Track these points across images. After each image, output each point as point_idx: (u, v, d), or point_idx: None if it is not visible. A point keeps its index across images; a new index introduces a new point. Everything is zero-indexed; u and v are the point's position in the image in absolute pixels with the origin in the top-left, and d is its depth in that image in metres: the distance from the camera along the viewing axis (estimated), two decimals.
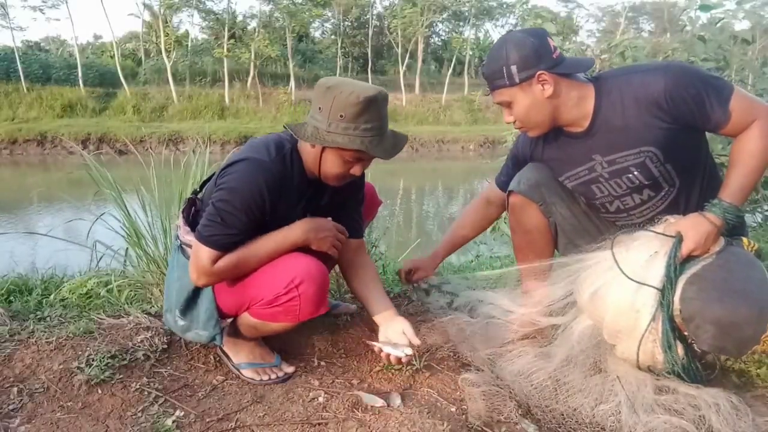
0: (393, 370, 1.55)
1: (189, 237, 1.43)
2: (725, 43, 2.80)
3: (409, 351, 1.43)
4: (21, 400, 1.32)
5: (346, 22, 28.96)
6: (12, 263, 2.71)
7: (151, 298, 2.01)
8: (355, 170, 1.40)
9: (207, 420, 1.29)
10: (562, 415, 1.35)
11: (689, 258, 1.36)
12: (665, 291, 1.33)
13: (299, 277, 1.33)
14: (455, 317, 1.87)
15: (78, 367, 1.42)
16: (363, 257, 1.65)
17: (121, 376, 1.43)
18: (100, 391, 1.37)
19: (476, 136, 20.99)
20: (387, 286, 2.24)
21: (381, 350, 1.45)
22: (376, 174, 2.39)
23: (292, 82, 22.53)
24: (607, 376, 1.45)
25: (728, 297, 1.25)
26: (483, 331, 1.75)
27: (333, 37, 29.13)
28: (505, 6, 28.24)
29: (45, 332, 1.58)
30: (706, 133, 1.45)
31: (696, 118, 1.34)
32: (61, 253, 2.52)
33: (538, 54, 1.36)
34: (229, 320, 1.56)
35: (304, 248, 1.43)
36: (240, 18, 26.80)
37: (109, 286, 2.04)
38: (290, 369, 1.53)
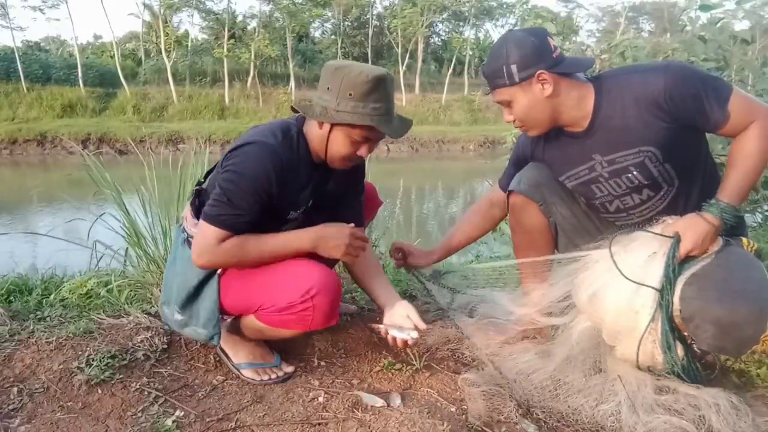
0: (393, 370, 1.55)
1: (195, 229, 1.42)
2: (725, 43, 2.80)
3: (415, 334, 1.41)
4: (21, 400, 1.32)
5: (346, 22, 28.97)
6: (12, 263, 2.71)
7: (151, 298, 2.01)
8: (362, 151, 1.40)
9: (207, 420, 1.29)
10: (562, 415, 1.35)
11: (688, 258, 1.36)
12: (664, 291, 1.34)
13: (315, 288, 1.32)
14: (455, 317, 1.88)
15: (78, 367, 1.42)
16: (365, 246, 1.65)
17: (121, 376, 1.43)
18: (100, 391, 1.37)
19: (476, 136, 21.00)
20: None
21: (387, 333, 1.44)
22: (376, 174, 2.39)
23: (292, 82, 22.55)
24: (607, 376, 1.45)
25: (728, 297, 1.25)
26: (483, 331, 1.75)
27: (333, 37, 29.14)
28: (505, 6, 28.25)
29: (45, 332, 1.58)
30: (706, 133, 1.45)
31: (695, 118, 1.34)
32: (61, 253, 2.52)
33: (538, 53, 1.36)
34: (229, 319, 1.56)
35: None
36: (240, 18, 26.84)
37: (109, 286, 2.04)
38: (290, 369, 1.53)
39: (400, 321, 1.45)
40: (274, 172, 1.33)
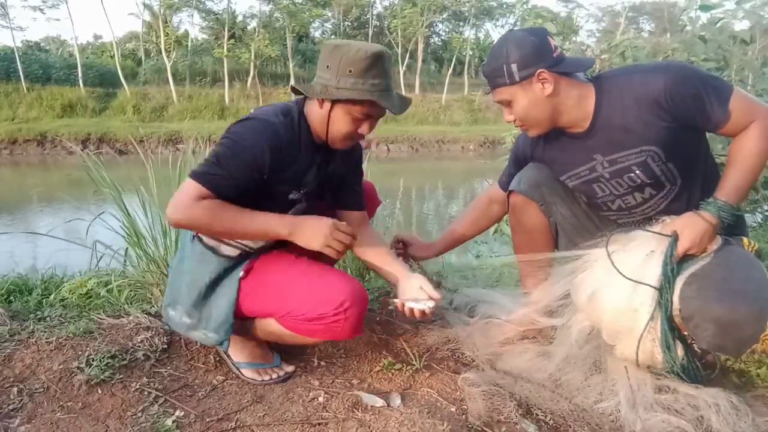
0: (393, 370, 1.55)
1: None
2: (725, 43, 2.80)
3: (432, 304, 1.40)
4: (21, 400, 1.32)
5: (346, 22, 28.99)
6: (12, 263, 2.71)
7: (151, 298, 2.01)
8: (363, 129, 1.40)
9: (207, 420, 1.29)
10: (562, 415, 1.35)
11: (687, 257, 1.36)
12: (663, 290, 1.34)
13: (348, 301, 1.33)
14: (455, 317, 1.88)
15: (78, 367, 1.42)
16: (367, 228, 1.65)
17: (121, 376, 1.43)
18: (100, 391, 1.37)
19: (476, 136, 21.00)
20: (387, 286, 2.23)
21: (403, 306, 1.42)
22: (376, 174, 2.39)
23: (292, 82, 22.46)
24: (607, 376, 1.45)
25: (728, 296, 1.25)
26: (483, 331, 1.75)
27: (333, 37, 29.13)
28: (505, 6, 28.25)
29: (45, 332, 1.58)
30: (706, 133, 1.45)
31: (696, 117, 1.34)
32: (61, 253, 2.51)
33: (538, 52, 1.36)
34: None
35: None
36: (240, 18, 26.84)
37: (109, 286, 2.04)
38: (290, 368, 1.53)
39: (415, 293, 1.43)
40: (270, 150, 1.32)
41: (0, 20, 22.11)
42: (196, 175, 1.30)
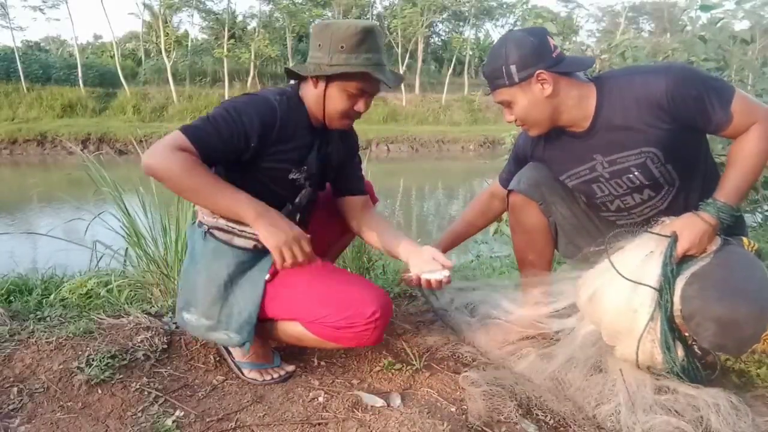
0: (393, 370, 1.55)
1: (211, 219, 1.41)
2: (725, 43, 2.80)
3: (447, 272, 1.40)
4: (21, 400, 1.32)
5: None
6: (12, 263, 2.71)
7: (151, 298, 2.01)
8: (359, 106, 1.41)
9: (207, 420, 1.29)
10: (562, 415, 1.35)
11: (687, 258, 1.36)
12: (663, 291, 1.34)
13: (379, 311, 1.34)
14: (455, 317, 1.88)
15: (78, 367, 1.42)
16: (371, 211, 1.65)
17: (121, 376, 1.43)
18: (100, 391, 1.37)
19: (476, 136, 21.00)
20: (387, 287, 2.24)
21: (419, 278, 1.42)
22: (376, 174, 2.39)
23: (292, 82, 22.53)
24: (607, 377, 1.45)
25: (729, 296, 1.25)
26: (483, 331, 1.75)
27: None
28: (505, 6, 28.25)
29: (45, 332, 1.58)
30: (707, 134, 1.45)
31: (697, 119, 1.34)
32: (61, 253, 2.52)
33: (537, 53, 1.36)
34: None
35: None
36: (240, 18, 26.85)
37: (109, 286, 2.04)
38: (291, 368, 1.53)
39: (428, 265, 1.42)
40: (260, 120, 1.32)
41: (0, 20, 22.12)
42: (183, 128, 1.28)
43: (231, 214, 1.31)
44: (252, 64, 22.55)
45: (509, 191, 1.66)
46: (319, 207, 1.64)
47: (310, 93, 1.42)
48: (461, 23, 29.37)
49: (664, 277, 1.34)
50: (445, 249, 1.89)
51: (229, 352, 1.54)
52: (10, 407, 1.29)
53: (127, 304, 1.89)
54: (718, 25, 2.89)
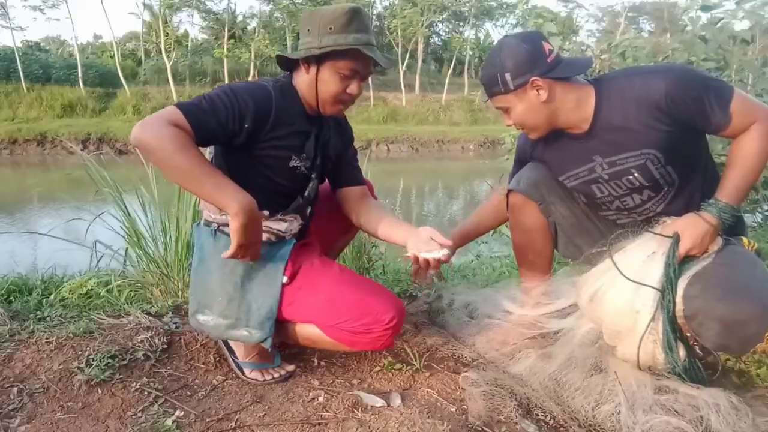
0: (393, 370, 1.55)
1: (219, 216, 1.41)
2: (725, 43, 2.80)
3: (445, 251, 1.38)
4: (21, 400, 1.32)
5: None
6: (12, 263, 2.71)
7: (151, 298, 2.01)
8: (352, 88, 1.41)
9: (207, 420, 1.29)
10: (562, 415, 1.35)
11: (688, 258, 1.36)
12: (665, 292, 1.34)
13: (396, 318, 1.38)
14: (455, 317, 1.87)
15: (78, 367, 1.42)
16: (370, 200, 1.65)
17: (121, 376, 1.43)
18: (100, 391, 1.37)
19: (476, 136, 21.02)
20: (387, 287, 2.24)
21: (416, 257, 1.41)
22: (376, 174, 2.39)
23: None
24: (608, 377, 1.45)
25: (732, 295, 1.25)
26: (483, 331, 1.75)
27: None
28: (505, 6, 28.25)
29: (45, 332, 1.58)
30: (706, 134, 1.45)
31: (696, 120, 1.34)
32: (61, 253, 2.52)
33: (531, 60, 1.36)
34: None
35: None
36: (240, 18, 26.87)
37: (109, 286, 2.04)
38: (291, 367, 1.53)
39: (425, 245, 1.41)
40: (256, 106, 1.33)
41: (0, 20, 22.13)
42: (179, 104, 1.27)
43: (213, 200, 1.29)
44: (252, 64, 22.57)
45: (508, 191, 1.66)
46: (323, 205, 1.64)
47: (302, 79, 1.43)
48: (461, 23, 29.39)
49: (666, 278, 1.34)
50: (458, 246, 1.90)
51: (231, 352, 1.54)
52: (10, 407, 1.29)
53: (127, 304, 1.89)
54: (718, 25, 2.89)
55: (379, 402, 1.36)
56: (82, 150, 2.55)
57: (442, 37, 32.75)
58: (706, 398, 1.31)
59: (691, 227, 1.35)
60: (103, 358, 1.46)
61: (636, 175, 1.42)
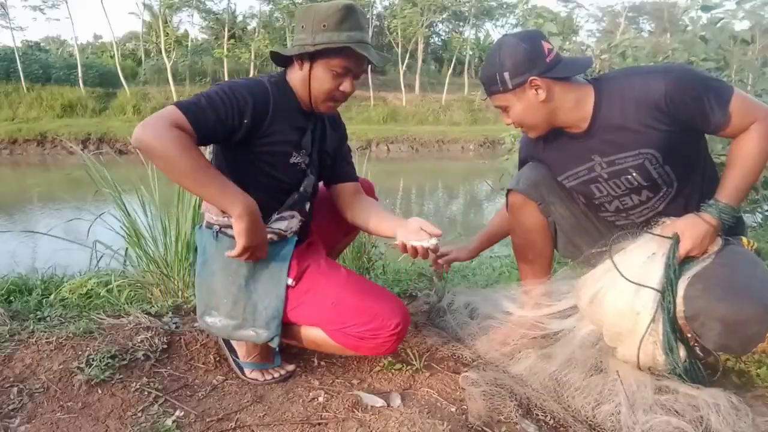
0: (393, 370, 1.55)
1: (221, 218, 1.41)
2: (725, 43, 2.80)
3: (435, 241, 1.38)
4: (21, 400, 1.32)
5: None
6: (12, 263, 2.71)
7: (151, 298, 2.01)
8: (345, 86, 1.41)
9: (207, 420, 1.29)
10: (562, 415, 1.35)
11: (688, 259, 1.36)
12: (665, 292, 1.33)
13: (402, 324, 1.40)
14: (455, 317, 1.87)
15: (78, 367, 1.42)
16: (362, 196, 1.65)
17: (121, 376, 1.43)
18: (100, 391, 1.37)
19: (476, 136, 21.02)
20: (387, 287, 2.24)
21: (405, 246, 1.40)
22: (376, 174, 2.39)
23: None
24: (608, 377, 1.45)
25: (733, 295, 1.25)
26: (483, 332, 1.75)
27: None
28: (505, 6, 28.25)
29: (45, 332, 1.58)
30: (706, 134, 1.45)
31: (696, 120, 1.34)
32: (61, 253, 2.52)
33: (529, 60, 1.36)
34: None
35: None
36: (240, 18, 26.87)
37: (109, 286, 2.04)
38: (291, 367, 1.53)
39: (415, 235, 1.41)
40: (254, 102, 1.33)
41: (0, 20, 22.13)
42: (178, 104, 1.26)
43: (216, 202, 1.31)
44: (252, 64, 22.57)
45: (508, 191, 1.67)
46: (325, 207, 1.65)
47: (296, 75, 1.43)
48: (461, 23, 29.38)
49: (666, 279, 1.34)
50: (479, 249, 1.92)
51: (232, 351, 1.54)
52: (10, 407, 1.29)
53: (127, 304, 1.89)
54: (719, 25, 2.89)
55: (379, 402, 1.36)
56: (82, 150, 2.55)
57: (442, 37, 32.77)
58: (706, 398, 1.31)
59: (690, 228, 1.35)
60: (103, 358, 1.46)
61: (634, 174, 1.42)
